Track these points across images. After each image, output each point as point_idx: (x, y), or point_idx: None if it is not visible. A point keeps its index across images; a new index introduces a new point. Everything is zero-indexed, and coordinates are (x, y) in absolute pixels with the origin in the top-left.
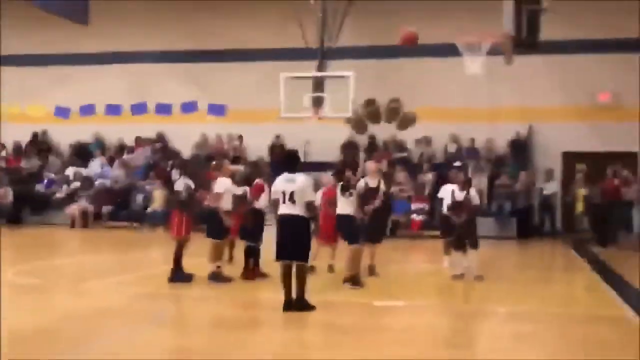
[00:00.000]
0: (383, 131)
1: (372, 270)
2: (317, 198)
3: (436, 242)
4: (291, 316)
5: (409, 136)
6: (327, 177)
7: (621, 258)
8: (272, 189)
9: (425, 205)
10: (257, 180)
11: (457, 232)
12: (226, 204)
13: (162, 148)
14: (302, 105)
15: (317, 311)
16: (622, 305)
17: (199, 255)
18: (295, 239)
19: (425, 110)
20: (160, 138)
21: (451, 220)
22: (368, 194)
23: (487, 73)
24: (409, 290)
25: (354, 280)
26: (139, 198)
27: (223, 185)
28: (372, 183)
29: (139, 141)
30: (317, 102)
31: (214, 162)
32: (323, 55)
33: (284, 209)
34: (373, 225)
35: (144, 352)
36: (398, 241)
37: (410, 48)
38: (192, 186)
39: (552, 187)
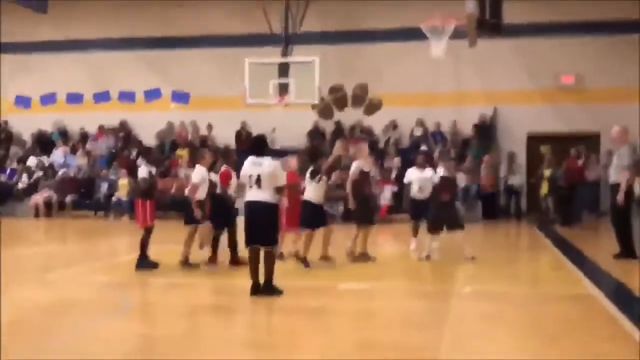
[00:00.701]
0: (349, 117)
1: (366, 256)
2: None
3: (403, 226)
4: (259, 301)
5: (375, 121)
6: (292, 161)
7: (585, 238)
8: (241, 173)
9: (392, 189)
10: (224, 167)
11: (438, 214)
12: (201, 194)
13: (125, 136)
14: (267, 92)
15: (284, 296)
16: (586, 284)
17: (170, 241)
18: (262, 224)
19: (390, 95)
20: (124, 126)
21: (420, 203)
22: (363, 178)
23: (451, 56)
24: (376, 273)
25: (305, 261)
26: (103, 187)
27: (200, 174)
28: (366, 167)
29: (102, 130)
30: (283, 89)
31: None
32: (287, 40)
33: (251, 193)
34: (364, 209)
35: (112, 343)
36: None
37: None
38: (155, 174)
39: (517, 180)
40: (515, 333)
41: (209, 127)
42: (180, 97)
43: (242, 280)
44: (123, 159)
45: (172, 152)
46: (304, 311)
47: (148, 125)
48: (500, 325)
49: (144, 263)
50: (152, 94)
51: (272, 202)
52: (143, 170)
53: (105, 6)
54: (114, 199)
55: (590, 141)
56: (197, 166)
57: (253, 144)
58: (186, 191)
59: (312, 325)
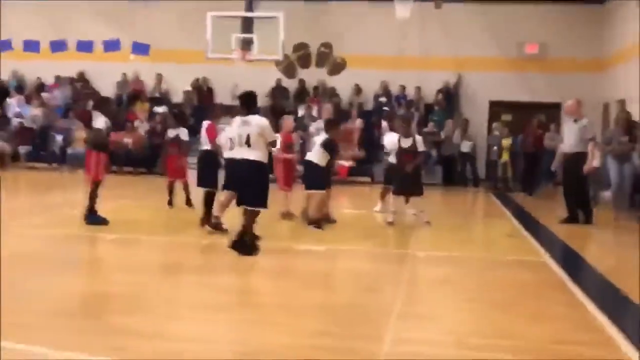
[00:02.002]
0: (313, 76)
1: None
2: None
3: (363, 188)
4: (211, 260)
5: (338, 82)
6: (289, 120)
7: (541, 206)
8: (226, 131)
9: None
10: (208, 122)
11: (402, 179)
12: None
13: (82, 87)
14: (229, 47)
15: (237, 257)
16: (540, 251)
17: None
18: (252, 184)
19: (355, 57)
20: (81, 77)
21: (397, 169)
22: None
23: (417, 19)
24: (333, 235)
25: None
26: (59, 138)
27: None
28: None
29: (59, 80)
30: (246, 44)
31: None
32: None
33: (239, 152)
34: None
35: (59, 298)
36: None
37: None
38: (110, 126)
39: (466, 146)
40: (467, 296)
41: (159, 77)
42: (141, 49)
43: (194, 238)
44: (80, 110)
45: (131, 105)
46: (259, 272)
47: (107, 77)
48: (452, 289)
49: (93, 219)
50: (112, 45)
51: (263, 161)
52: (99, 122)
53: None
54: (69, 151)
55: (551, 111)
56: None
57: (241, 102)
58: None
59: (265, 285)
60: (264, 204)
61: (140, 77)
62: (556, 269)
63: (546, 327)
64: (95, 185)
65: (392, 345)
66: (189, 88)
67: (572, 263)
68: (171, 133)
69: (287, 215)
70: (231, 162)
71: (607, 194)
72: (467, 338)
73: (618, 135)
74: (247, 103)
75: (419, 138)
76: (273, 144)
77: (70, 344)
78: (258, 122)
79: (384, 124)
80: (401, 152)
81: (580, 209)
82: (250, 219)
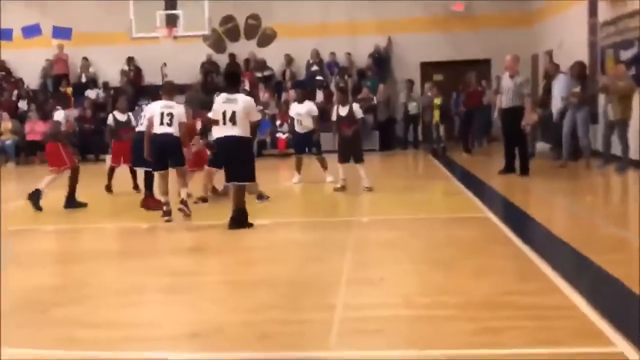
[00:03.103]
0: (242, 49)
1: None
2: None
3: (310, 160)
4: (155, 244)
5: (269, 54)
6: None
7: (480, 162)
8: (213, 109)
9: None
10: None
11: (342, 146)
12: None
13: (5, 77)
14: (154, 25)
15: (186, 233)
16: (481, 206)
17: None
18: (239, 160)
19: (284, 27)
20: (2, 66)
21: (301, 137)
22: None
23: None
24: (277, 208)
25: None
26: None
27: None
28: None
29: None
30: (171, 21)
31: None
32: None
33: (224, 130)
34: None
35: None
36: (265, 161)
37: None
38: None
39: (414, 107)
40: (413, 257)
41: (85, 61)
42: (62, 33)
43: (135, 223)
44: (5, 101)
45: (56, 91)
46: (205, 251)
47: (28, 64)
48: (398, 252)
49: (73, 204)
50: (31, 30)
51: (249, 137)
52: (57, 115)
53: None
54: None
55: (481, 67)
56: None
57: (226, 80)
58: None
59: (212, 264)
60: (251, 178)
61: (60, 59)
62: (498, 223)
63: (492, 280)
64: (75, 172)
65: (344, 311)
66: (126, 68)
67: (513, 216)
68: (121, 117)
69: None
70: (219, 139)
71: (543, 146)
72: (415, 297)
73: (571, 84)
74: (232, 81)
75: (355, 106)
76: (255, 124)
77: (14, 339)
78: (244, 100)
79: (318, 92)
80: (339, 120)
81: (519, 161)
82: (240, 195)
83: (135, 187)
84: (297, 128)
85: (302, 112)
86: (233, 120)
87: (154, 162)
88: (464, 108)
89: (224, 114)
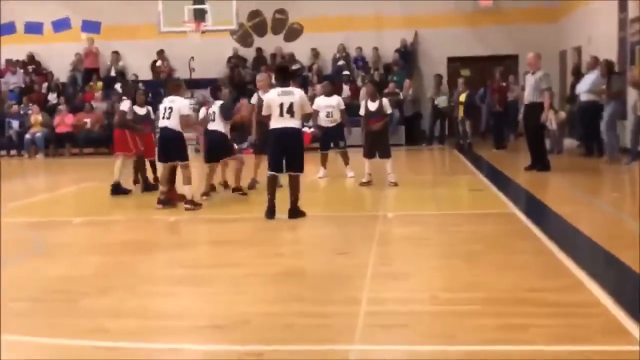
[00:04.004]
0: (269, 44)
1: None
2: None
3: (333, 155)
4: (182, 236)
5: (296, 48)
6: (243, 103)
7: (507, 158)
8: (266, 102)
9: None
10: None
11: (369, 141)
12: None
13: (35, 70)
14: (182, 19)
15: (211, 227)
16: (507, 202)
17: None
18: (294, 151)
19: (310, 21)
20: (32, 59)
21: (328, 131)
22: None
23: None
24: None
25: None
26: (15, 124)
27: (187, 106)
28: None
29: (9, 64)
30: (199, 15)
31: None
32: None
33: (282, 121)
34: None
35: (31, 284)
36: None
37: None
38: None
39: (443, 101)
40: (438, 253)
41: (114, 55)
42: (91, 27)
43: (160, 216)
44: (35, 94)
45: (86, 84)
46: (231, 243)
47: (58, 57)
48: (423, 247)
49: (149, 186)
50: (61, 24)
51: (302, 129)
52: (123, 104)
53: None
54: (27, 136)
55: (509, 62)
56: (179, 98)
57: (279, 74)
58: (179, 126)
59: (238, 256)
60: (302, 169)
61: (90, 52)
62: (522, 218)
63: (515, 276)
64: (141, 158)
65: (369, 305)
66: (158, 63)
67: (538, 212)
68: (140, 110)
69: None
70: (277, 130)
71: (570, 142)
72: (440, 293)
73: (599, 81)
74: (284, 75)
75: (385, 101)
76: (308, 116)
77: (44, 329)
78: (299, 92)
79: (345, 87)
80: (368, 115)
81: (538, 156)
82: (298, 185)
83: (156, 179)
84: (324, 122)
85: (333, 104)
86: (291, 111)
87: (157, 154)
88: (493, 104)
89: (280, 105)
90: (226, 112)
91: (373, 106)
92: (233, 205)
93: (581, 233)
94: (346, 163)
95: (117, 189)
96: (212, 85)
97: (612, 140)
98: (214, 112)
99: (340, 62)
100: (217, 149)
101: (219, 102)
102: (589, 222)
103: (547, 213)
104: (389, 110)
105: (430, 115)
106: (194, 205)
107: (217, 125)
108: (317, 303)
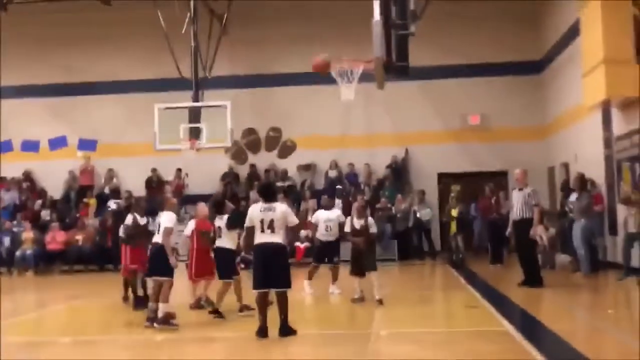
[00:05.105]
0: (263, 160)
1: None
2: (189, 230)
3: (322, 269)
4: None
5: (289, 164)
6: (202, 207)
7: (499, 273)
8: (249, 216)
9: (308, 232)
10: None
11: (356, 258)
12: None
13: (29, 187)
14: (178, 137)
15: (198, 347)
16: (502, 320)
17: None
18: (278, 266)
19: (303, 138)
20: (27, 176)
21: (326, 245)
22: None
23: (362, 99)
24: (293, 320)
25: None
26: (6, 241)
27: (172, 219)
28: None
29: (4, 181)
30: (194, 133)
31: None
32: (198, 85)
33: (263, 237)
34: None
35: None
36: None
37: (319, 73)
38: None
39: (427, 214)
40: None
41: (109, 172)
42: (87, 145)
43: (151, 335)
44: (28, 211)
45: (79, 201)
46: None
47: (53, 175)
48: None
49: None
50: (58, 142)
51: (285, 245)
52: (128, 218)
53: (7, 54)
54: (17, 253)
55: (498, 179)
56: (166, 212)
57: (263, 190)
58: (161, 239)
59: None
60: (289, 284)
61: (85, 170)
62: (517, 336)
63: None
64: (130, 273)
65: None
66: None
67: (533, 330)
68: (142, 221)
69: (196, 306)
70: (259, 246)
71: (563, 257)
72: None
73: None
74: (268, 192)
75: (371, 220)
76: (294, 228)
77: None
78: (281, 207)
79: (337, 201)
80: (353, 232)
81: (530, 272)
82: (285, 301)
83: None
84: (323, 236)
85: (333, 217)
86: (272, 227)
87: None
88: (486, 219)
89: (262, 221)
90: (235, 223)
91: (358, 224)
92: (220, 324)
93: (576, 351)
94: (334, 279)
95: (141, 302)
96: (214, 201)
97: (587, 255)
98: (219, 228)
99: (332, 176)
100: (227, 266)
101: (224, 217)
102: (585, 340)
103: (541, 331)
104: (373, 229)
105: (413, 227)
106: (167, 324)
107: (224, 241)
108: None
